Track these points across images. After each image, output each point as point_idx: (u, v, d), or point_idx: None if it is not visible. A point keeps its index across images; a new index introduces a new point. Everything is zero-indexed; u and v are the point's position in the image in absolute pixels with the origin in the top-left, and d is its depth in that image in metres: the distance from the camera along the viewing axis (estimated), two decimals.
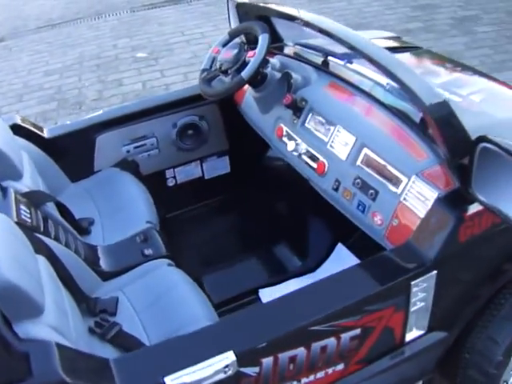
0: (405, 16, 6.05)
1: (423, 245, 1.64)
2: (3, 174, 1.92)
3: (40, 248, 1.62)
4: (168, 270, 1.93)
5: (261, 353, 1.42)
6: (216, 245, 2.57)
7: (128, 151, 2.52)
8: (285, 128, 2.23)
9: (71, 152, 2.38)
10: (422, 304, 1.67)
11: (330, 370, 1.60)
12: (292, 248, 2.55)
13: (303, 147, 2.12)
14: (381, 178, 1.84)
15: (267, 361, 1.43)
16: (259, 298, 2.33)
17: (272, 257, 2.55)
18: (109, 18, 6.49)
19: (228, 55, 2.17)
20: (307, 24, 2.03)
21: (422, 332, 1.74)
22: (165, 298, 1.81)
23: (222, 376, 1.33)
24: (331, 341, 1.53)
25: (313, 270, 2.45)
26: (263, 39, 2.10)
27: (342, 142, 1.98)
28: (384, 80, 2.07)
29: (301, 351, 1.49)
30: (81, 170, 2.44)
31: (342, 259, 2.41)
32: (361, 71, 2.18)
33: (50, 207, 1.98)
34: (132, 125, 2.48)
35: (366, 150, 1.90)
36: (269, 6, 2.32)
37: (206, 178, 2.78)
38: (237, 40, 2.33)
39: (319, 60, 2.33)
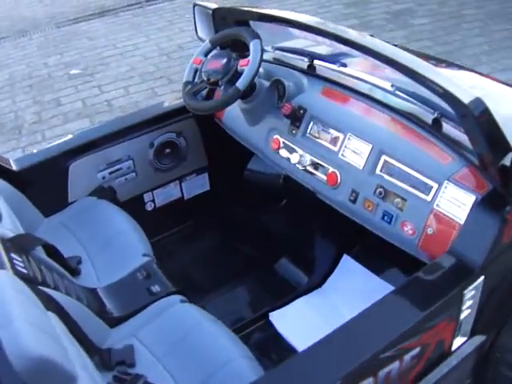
0: (339, 14, 6.03)
1: (469, 251, 1.55)
2: None
3: (48, 303, 1.40)
4: (184, 308, 1.73)
5: None
6: (209, 269, 2.39)
7: (103, 177, 2.30)
8: (282, 139, 2.08)
9: (43, 183, 2.15)
10: (469, 311, 1.60)
11: None
12: (293, 264, 2.40)
13: (308, 158, 1.97)
14: (406, 186, 1.72)
15: None
16: (270, 322, 2.17)
17: (274, 276, 2.40)
18: (34, 35, 6.13)
19: (216, 65, 1.98)
20: (308, 27, 1.89)
21: (465, 338, 1.66)
22: (188, 339, 1.62)
23: None
24: (395, 364, 1.42)
25: (319, 284, 2.31)
26: (255, 45, 1.93)
27: (355, 151, 1.85)
28: (383, 82, 1.97)
29: (369, 382, 1.36)
30: (54, 202, 2.20)
31: (349, 270, 2.29)
32: (355, 74, 2.06)
33: (38, 250, 1.74)
34: (106, 148, 2.26)
35: (385, 158, 1.78)
36: (251, 9, 2.17)
37: (185, 198, 2.59)
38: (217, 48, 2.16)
39: (304, 65, 2.19)
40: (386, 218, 1.76)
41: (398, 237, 1.74)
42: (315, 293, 2.27)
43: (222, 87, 1.95)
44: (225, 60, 1.97)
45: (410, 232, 1.70)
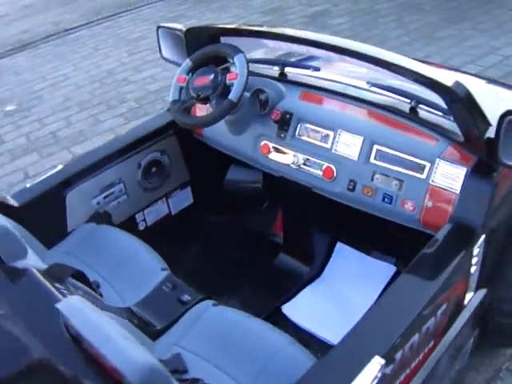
0: (259, 22, 6.22)
1: (469, 215, 1.77)
2: (10, 254, 1.70)
3: None
4: (218, 310, 1.83)
5: (395, 349, 1.44)
6: (210, 277, 2.48)
7: (98, 203, 2.36)
8: (271, 144, 2.21)
9: (42, 215, 2.17)
10: (475, 267, 1.80)
11: (426, 350, 1.64)
12: (292, 257, 2.53)
13: (301, 158, 2.12)
14: (401, 169, 1.91)
15: (398, 355, 1.45)
16: (283, 315, 2.29)
17: (276, 271, 2.52)
18: None
19: (204, 81, 2.09)
20: (286, 38, 2.04)
21: (472, 293, 1.87)
22: (233, 337, 1.72)
23: (376, 381, 1.33)
24: (431, 320, 1.60)
25: (319, 273, 2.46)
26: (240, 59, 2.06)
27: (348, 145, 2.02)
28: (358, 81, 2.16)
29: (415, 337, 1.53)
30: (54, 233, 2.23)
31: (344, 256, 2.45)
32: (330, 77, 2.24)
33: (69, 278, 1.80)
34: (99, 173, 2.32)
35: (377, 147, 1.96)
36: (224, 26, 2.30)
37: (173, 213, 2.67)
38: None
39: (276, 73, 2.35)
40: (386, 199, 1.93)
41: (400, 215, 1.92)
42: (318, 281, 2.42)
43: (214, 101, 2.06)
44: (212, 75, 2.07)
45: (411, 208, 1.88)
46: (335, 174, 2.04)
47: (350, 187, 2.01)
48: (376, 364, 1.34)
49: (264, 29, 2.14)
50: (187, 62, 2.19)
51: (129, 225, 2.47)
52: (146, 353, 1.25)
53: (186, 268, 2.50)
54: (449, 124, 1.93)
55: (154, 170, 2.52)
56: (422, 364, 1.63)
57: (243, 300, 2.33)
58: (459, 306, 1.80)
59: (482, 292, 1.92)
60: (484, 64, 4.60)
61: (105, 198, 2.37)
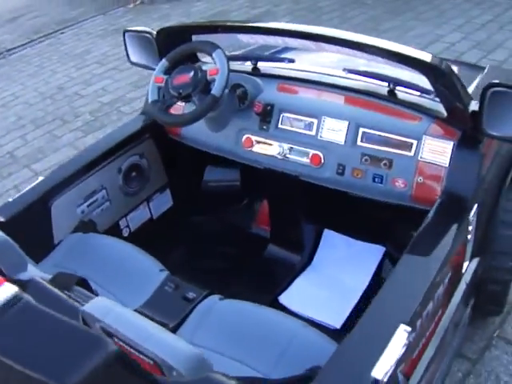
0: None
1: (461, 186, 1.83)
2: (12, 266, 1.66)
3: None
4: (227, 303, 1.83)
5: (416, 316, 1.47)
6: (201, 276, 2.46)
7: (82, 211, 2.32)
8: (254, 137, 2.23)
9: (29, 229, 2.11)
10: (470, 236, 1.86)
11: (436, 318, 1.69)
12: (281, 248, 2.54)
13: (286, 147, 2.15)
14: (389, 149, 1.96)
15: (419, 323, 1.49)
16: (281, 305, 2.31)
17: (267, 263, 2.53)
18: None
19: (184, 79, 2.09)
20: (262, 30, 2.07)
21: (468, 262, 1.93)
22: (245, 327, 1.72)
23: (405, 348, 1.35)
24: (441, 288, 1.64)
25: (310, 260, 2.48)
26: (219, 54, 2.06)
27: (333, 130, 2.06)
28: (334, 70, 2.21)
29: (430, 305, 1.57)
30: (41, 246, 2.17)
31: (333, 242, 2.48)
32: (306, 68, 2.28)
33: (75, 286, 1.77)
34: (82, 181, 2.28)
35: (362, 129, 2.01)
36: (195, 23, 2.31)
37: (154, 218, 2.66)
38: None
39: (249, 68, 2.37)
40: (376, 179, 1.98)
41: (392, 193, 1.97)
42: (309, 269, 2.45)
43: (196, 98, 2.06)
44: (192, 73, 2.07)
45: (402, 186, 1.94)
46: (323, 160, 2.07)
47: (340, 171, 2.04)
48: (403, 332, 1.37)
49: (238, 23, 2.17)
50: (163, 62, 2.19)
51: (113, 232, 2.44)
52: (187, 343, 1.25)
53: (174, 270, 2.48)
54: (428, 102, 2.00)
55: (134, 174, 2.50)
56: (433, 333, 1.68)
57: (238, 294, 2.33)
58: (459, 275, 1.86)
59: (476, 261, 1.98)
60: (432, 52, 4.73)
61: (89, 206, 2.34)
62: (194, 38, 2.31)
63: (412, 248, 1.66)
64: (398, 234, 2.34)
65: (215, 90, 2.02)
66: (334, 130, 2.05)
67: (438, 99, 1.95)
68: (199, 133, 2.37)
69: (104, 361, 0.94)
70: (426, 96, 2.02)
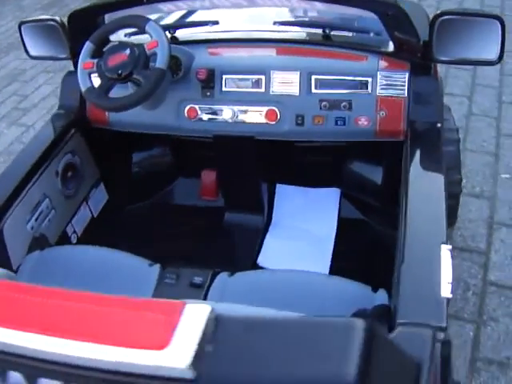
0: None
1: (426, 113, 1.93)
2: None
3: None
4: (239, 276, 1.76)
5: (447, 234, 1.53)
6: (176, 263, 2.36)
7: (32, 227, 2.12)
8: (197, 106, 2.16)
9: None
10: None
11: None
12: (240, 212, 2.51)
13: (236, 109, 2.11)
14: (345, 90, 2.01)
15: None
16: (261, 267, 2.31)
17: (230, 232, 2.49)
18: None
19: (120, 59, 1.95)
20: None
21: None
22: (274, 293, 1.66)
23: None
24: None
25: (268, 220, 2.49)
26: (153, 25, 1.95)
27: (285, 82, 2.05)
28: (261, 26, 2.22)
29: None
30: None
31: (288, 195, 2.51)
32: (231, 28, 2.26)
33: None
34: (25, 194, 2.07)
35: (315, 77, 2.03)
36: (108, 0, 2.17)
37: (95, 216, 2.51)
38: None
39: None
40: (339, 122, 2.02)
41: (357, 132, 2.03)
42: (273, 226, 2.46)
43: (141, 75, 1.94)
44: (127, 51, 1.95)
45: (366, 123, 2.00)
46: (279, 115, 2.07)
47: (299, 122, 2.05)
48: (447, 251, 1.43)
49: None
50: (88, 45, 2.03)
51: (63, 241, 2.28)
52: None
53: None
54: (369, 40, 2.07)
55: (69, 174, 2.33)
56: None
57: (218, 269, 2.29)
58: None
59: None
60: None
61: (36, 219, 2.15)
62: (107, 17, 2.18)
63: (414, 177, 1.72)
64: (349, 172, 2.43)
65: (160, 62, 1.91)
66: (286, 83, 2.05)
67: (376, 36, 2.02)
68: (132, 115, 2.21)
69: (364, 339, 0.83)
70: (362, 35, 2.08)
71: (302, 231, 2.40)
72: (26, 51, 2.31)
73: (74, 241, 2.36)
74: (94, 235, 2.43)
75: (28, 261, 2.00)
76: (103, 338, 0.85)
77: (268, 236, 2.43)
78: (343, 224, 2.43)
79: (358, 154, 2.24)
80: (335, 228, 2.39)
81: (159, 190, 2.70)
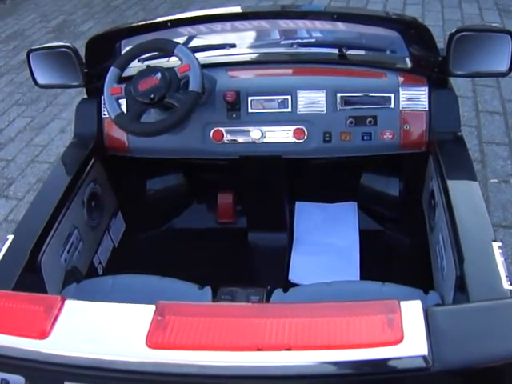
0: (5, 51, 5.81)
1: (448, 122, 2.07)
2: None
3: None
4: (295, 291, 1.79)
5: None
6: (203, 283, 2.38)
7: (65, 260, 2.10)
8: (224, 128, 2.19)
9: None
10: None
11: None
12: (262, 232, 2.53)
13: (264, 130, 2.16)
14: (370, 106, 2.11)
15: None
16: (293, 283, 2.34)
17: (256, 252, 2.52)
18: None
19: (152, 83, 1.96)
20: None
21: None
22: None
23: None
24: None
25: (290, 237, 2.55)
26: (183, 49, 1.99)
27: (311, 102, 2.13)
28: (275, 48, 2.29)
29: None
30: None
31: (307, 212, 2.57)
32: (248, 50, 2.33)
33: None
34: (58, 226, 2.05)
35: (340, 95, 2.12)
36: (125, 25, 2.20)
37: (116, 246, 2.51)
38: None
39: None
40: (365, 137, 2.12)
41: (383, 146, 2.13)
42: (296, 243, 2.51)
43: (174, 99, 1.95)
44: (159, 74, 1.96)
45: (391, 137, 2.10)
46: (306, 133, 2.14)
47: (327, 139, 2.13)
48: (498, 248, 1.52)
49: (184, 15, 2.11)
50: (113, 70, 2.04)
51: (92, 273, 2.26)
52: None
53: None
54: (386, 57, 2.18)
55: (93, 203, 2.32)
56: None
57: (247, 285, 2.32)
58: None
59: None
60: None
61: (68, 251, 2.13)
62: (124, 42, 2.21)
63: (453, 183, 1.81)
64: (365, 186, 2.51)
65: (194, 86, 1.94)
66: (312, 102, 2.13)
67: (392, 53, 2.14)
68: (153, 140, 2.19)
69: None
70: (380, 53, 2.19)
71: (325, 245, 2.47)
72: (34, 80, 2.28)
73: (101, 272, 2.34)
74: (117, 265, 2.42)
75: (66, 294, 1.98)
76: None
77: (293, 253, 2.48)
78: (362, 235, 2.51)
79: (373, 167, 2.33)
80: (358, 238, 2.47)
81: (175, 215, 2.72)
